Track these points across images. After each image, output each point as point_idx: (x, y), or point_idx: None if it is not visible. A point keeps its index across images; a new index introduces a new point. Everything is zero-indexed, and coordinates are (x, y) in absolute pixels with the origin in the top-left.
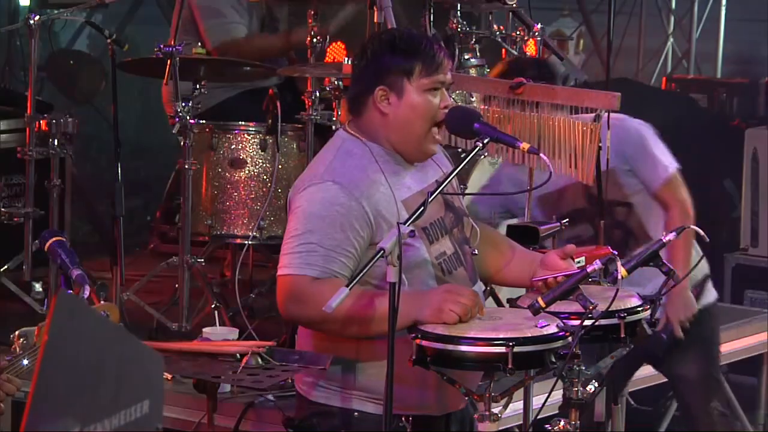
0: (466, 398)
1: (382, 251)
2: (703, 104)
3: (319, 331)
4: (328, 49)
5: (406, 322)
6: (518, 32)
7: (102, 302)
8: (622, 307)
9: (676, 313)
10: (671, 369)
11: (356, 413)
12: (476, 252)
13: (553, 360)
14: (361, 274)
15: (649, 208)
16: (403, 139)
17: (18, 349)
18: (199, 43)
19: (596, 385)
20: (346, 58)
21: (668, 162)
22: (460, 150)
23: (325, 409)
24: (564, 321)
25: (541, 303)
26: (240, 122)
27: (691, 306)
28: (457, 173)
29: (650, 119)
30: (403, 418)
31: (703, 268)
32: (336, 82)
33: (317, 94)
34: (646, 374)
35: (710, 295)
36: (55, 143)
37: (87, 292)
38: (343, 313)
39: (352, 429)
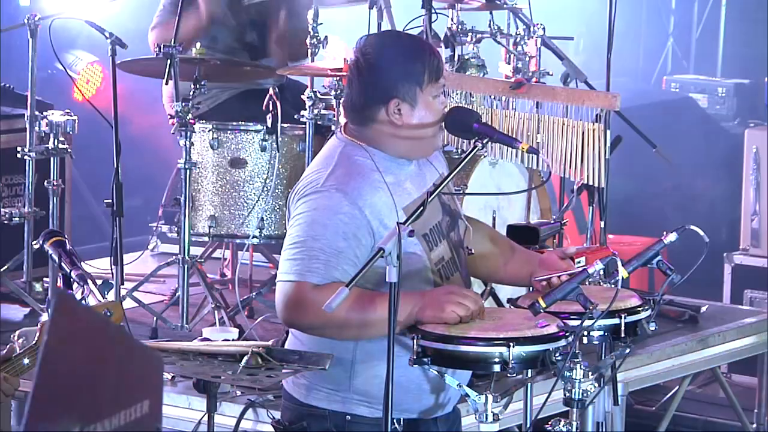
0: (466, 397)
1: (381, 251)
2: (703, 104)
3: (320, 336)
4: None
5: (407, 322)
6: (518, 32)
7: (105, 300)
8: (622, 307)
9: None
10: None
11: (348, 416)
12: (473, 251)
13: (553, 360)
14: (361, 274)
15: None
16: (414, 146)
17: (18, 349)
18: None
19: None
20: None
21: None
22: (455, 150)
23: (316, 411)
24: (564, 321)
25: (542, 303)
26: (240, 122)
27: None
28: (456, 173)
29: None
30: (394, 421)
31: None
32: (336, 82)
33: (317, 94)
34: (646, 374)
35: None
36: (56, 143)
37: (87, 292)
38: (343, 316)
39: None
